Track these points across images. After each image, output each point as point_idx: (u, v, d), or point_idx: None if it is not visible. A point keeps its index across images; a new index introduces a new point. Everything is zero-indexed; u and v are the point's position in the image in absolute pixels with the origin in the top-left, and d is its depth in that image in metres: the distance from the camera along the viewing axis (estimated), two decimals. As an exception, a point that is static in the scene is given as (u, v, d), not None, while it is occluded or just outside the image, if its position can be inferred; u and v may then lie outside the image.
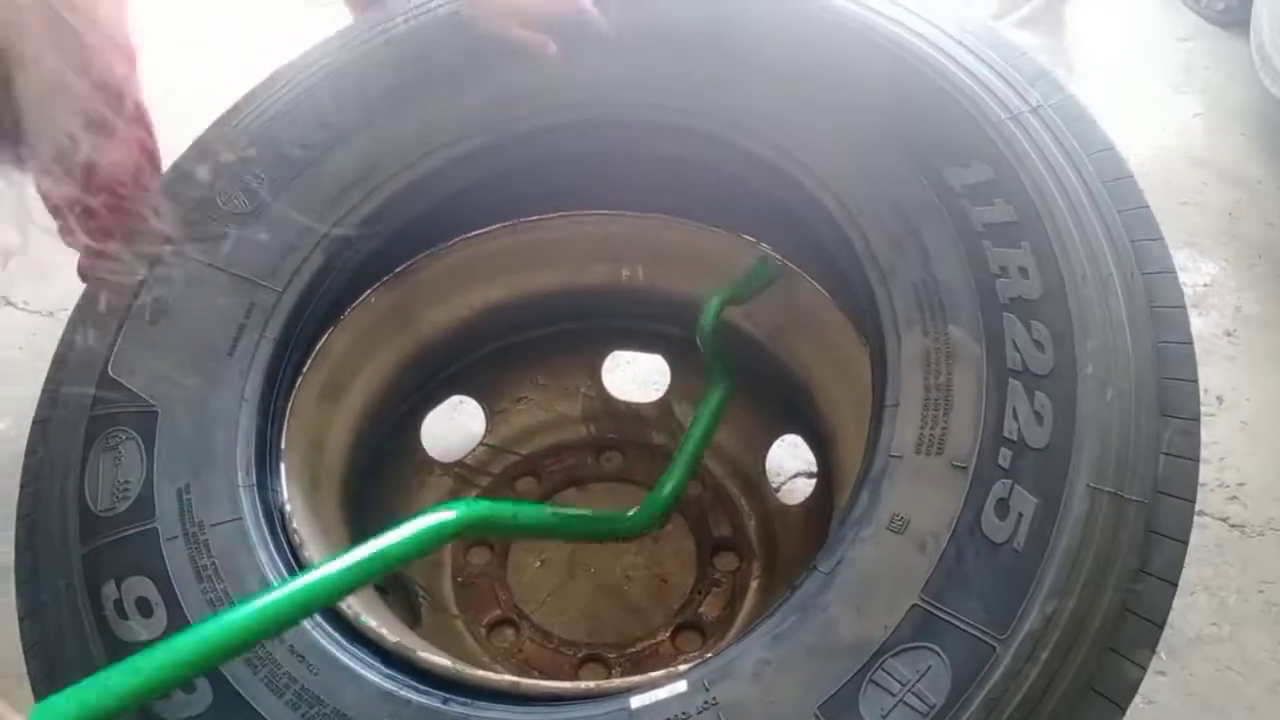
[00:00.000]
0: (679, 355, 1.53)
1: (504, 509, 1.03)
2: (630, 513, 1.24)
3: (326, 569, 0.83)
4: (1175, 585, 0.80)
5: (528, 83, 1.17)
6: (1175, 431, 0.84)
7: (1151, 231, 0.92)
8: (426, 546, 0.92)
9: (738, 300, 1.31)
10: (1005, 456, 0.83)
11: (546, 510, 1.16)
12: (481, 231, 1.40)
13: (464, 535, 0.98)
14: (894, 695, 0.77)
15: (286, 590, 0.80)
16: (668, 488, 1.24)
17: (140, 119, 1.48)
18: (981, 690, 0.76)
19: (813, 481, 1.48)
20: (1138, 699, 1.28)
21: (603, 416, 1.58)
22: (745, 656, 0.82)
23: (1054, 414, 0.84)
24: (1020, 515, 0.81)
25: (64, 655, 0.94)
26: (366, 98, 1.18)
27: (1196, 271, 1.90)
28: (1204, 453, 1.52)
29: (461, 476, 1.50)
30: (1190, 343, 0.87)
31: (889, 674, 0.78)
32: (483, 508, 1.00)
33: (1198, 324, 1.78)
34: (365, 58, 1.20)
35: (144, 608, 0.93)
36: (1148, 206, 0.94)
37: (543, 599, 1.40)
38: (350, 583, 0.85)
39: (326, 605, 0.85)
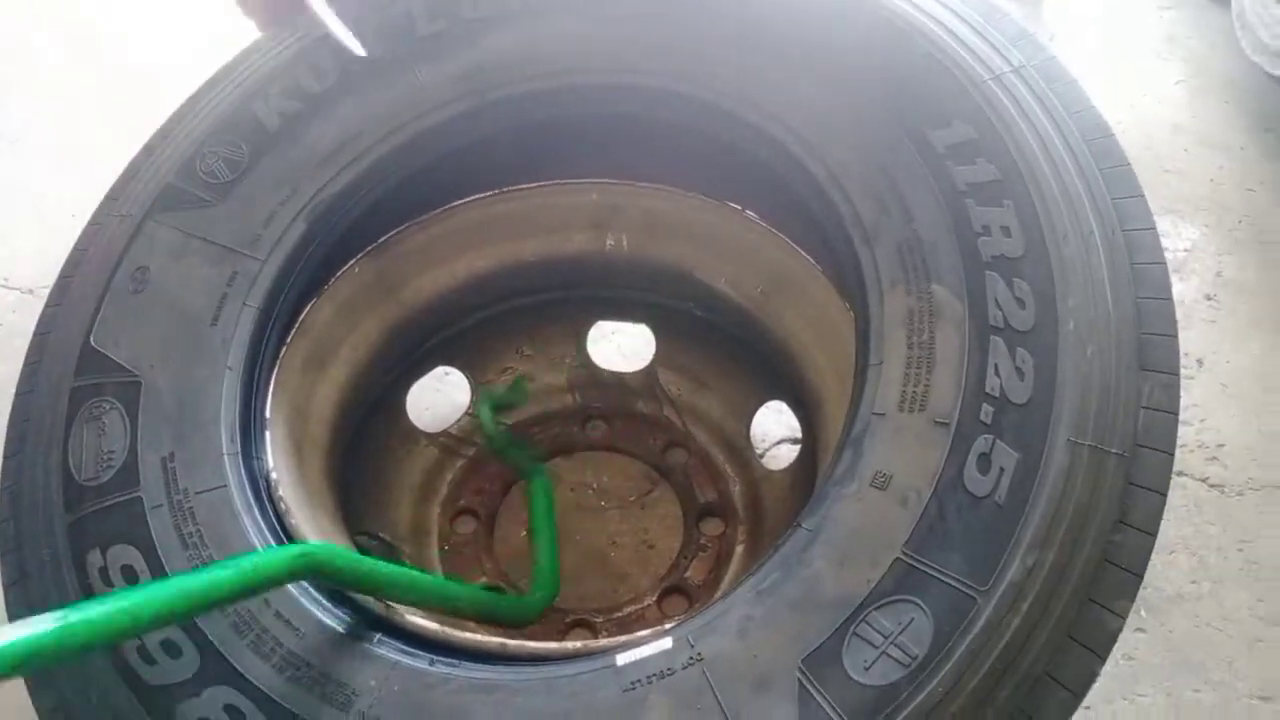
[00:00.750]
0: (664, 325, 1.53)
1: (351, 560, 0.89)
2: (519, 599, 1.24)
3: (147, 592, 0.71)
4: (1154, 536, 0.81)
5: (507, 48, 1.16)
6: (1155, 386, 0.85)
7: (1132, 189, 0.93)
8: (258, 586, 0.79)
9: (507, 406, 1.47)
10: (987, 412, 0.84)
11: (407, 572, 1.00)
12: (464, 201, 1.40)
13: (300, 578, 0.86)
14: (877, 647, 0.78)
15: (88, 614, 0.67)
16: (538, 595, 1.24)
17: None
18: (963, 641, 0.77)
19: (797, 448, 1.49)
20: (1118, 655, 1.31)
21: (588, 386, 1.58)
22: (729, 612, 0.83)
23: (1035, 370, 0.84)
24: (1002, 469, 0.81)
25: (51, 624, 0.94)
26: (346, 66, 1.18)
27: (1178, 237, 1.91)
28: (1184, 414, 1.55)
29: (447, 447, 1.51)
30: (1170, 299, 0.88)
31: (872, 627, 0.79)
32: (324, 554, 0.87)
33: (1179, 288, 1.79)
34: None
35: (130, 576, 0.93)
36: (1129, 164, 0.94)
37: (529, 566, 1.40)
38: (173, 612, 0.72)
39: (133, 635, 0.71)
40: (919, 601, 0.79)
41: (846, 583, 0.81)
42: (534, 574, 1.25)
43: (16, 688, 0.95)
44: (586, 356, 1.58)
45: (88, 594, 0.93)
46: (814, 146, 1.03)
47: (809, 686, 0.78)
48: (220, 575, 0.77)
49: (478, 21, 1.17)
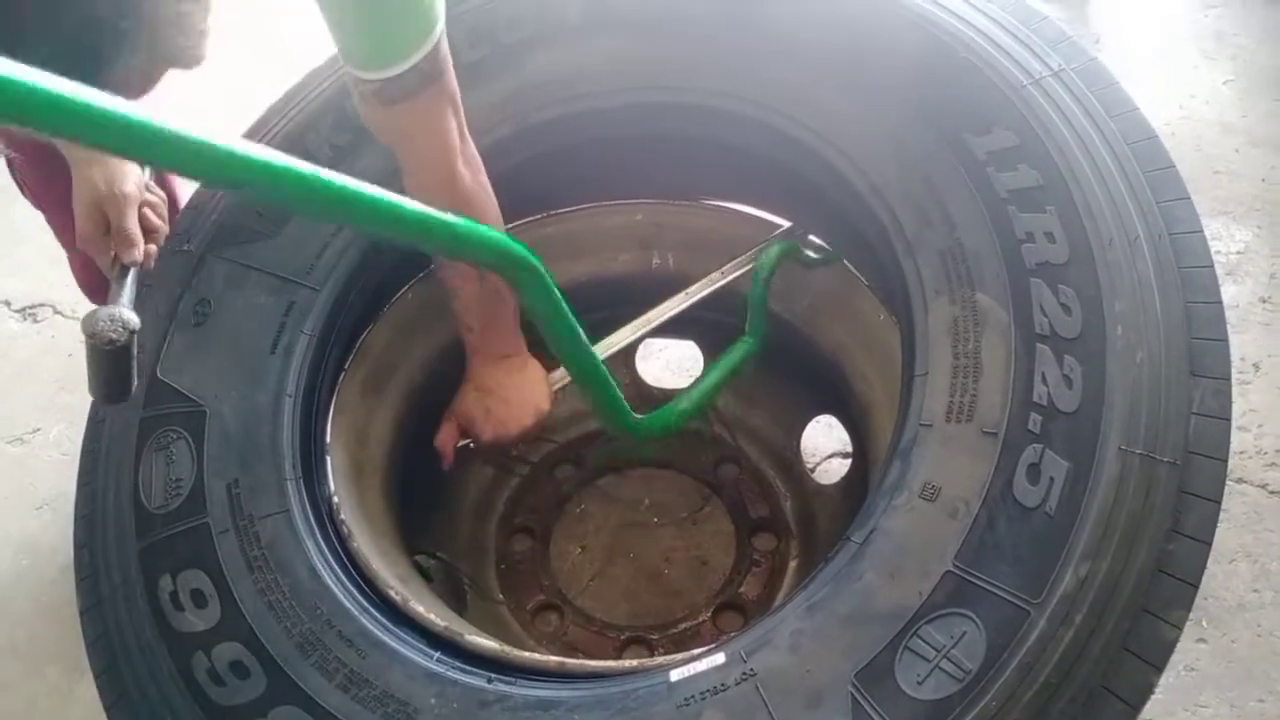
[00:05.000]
0: (711, 341, 1.54)
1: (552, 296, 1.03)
2: (642, 417, 1.29)
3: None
4: (1209, 545, 0.80)
5: (546, 71, 1.18)
6: (1206, 391, 0.84)
7: (1178, 192, 0.92)
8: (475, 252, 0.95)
9: (795, 255, 1.35)
10: (1035, 421, 0.84)
11: (578, 331, 1.13)
12: (512, 225, 1.41)
13: (504, 272, 1.01)
14: (929, 661, 0.78)
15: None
16: (681, 405, 1.30)
17: None
18: (1017, 654, 0.77)
19: (848, 461, 1.49)
20: (1179, 667, 1.29)
21: (638, 403, 1.58)
22: (781, 627, 0.83)
23: (1083, 377, 0.84)
24: (1052, 479, 0.81)
25: (124, 646, 0.98)
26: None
27: (1230, 239, 1.87)
28: (1241, 420, 1.52)
29: (503, 465, 1.53)
30: (1219, 302, 0.87)
31: (924, 640, 0.79)
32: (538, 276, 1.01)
33: (1232, 292, 1.76)
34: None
35: (198, 599, 0.96)
36: (1174, 166, 0.93)
37: (585, 584, 1.42)
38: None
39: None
40: (971, 614, 0.78)
41: (898, 596, 0.81)
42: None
43: (94, 709, 0.99)
44: (635, 374, 1.59)
45: (159, 618, 0.96)
46: (854, 157, 1.04)
47: (862, 701, 0.78)
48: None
49: (517, 45, 1.19)
